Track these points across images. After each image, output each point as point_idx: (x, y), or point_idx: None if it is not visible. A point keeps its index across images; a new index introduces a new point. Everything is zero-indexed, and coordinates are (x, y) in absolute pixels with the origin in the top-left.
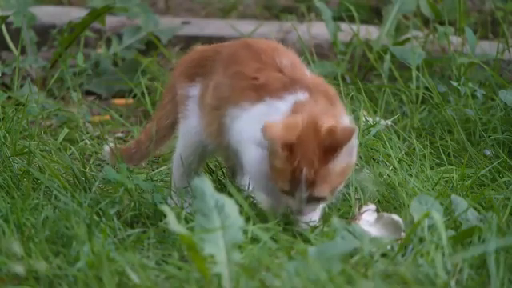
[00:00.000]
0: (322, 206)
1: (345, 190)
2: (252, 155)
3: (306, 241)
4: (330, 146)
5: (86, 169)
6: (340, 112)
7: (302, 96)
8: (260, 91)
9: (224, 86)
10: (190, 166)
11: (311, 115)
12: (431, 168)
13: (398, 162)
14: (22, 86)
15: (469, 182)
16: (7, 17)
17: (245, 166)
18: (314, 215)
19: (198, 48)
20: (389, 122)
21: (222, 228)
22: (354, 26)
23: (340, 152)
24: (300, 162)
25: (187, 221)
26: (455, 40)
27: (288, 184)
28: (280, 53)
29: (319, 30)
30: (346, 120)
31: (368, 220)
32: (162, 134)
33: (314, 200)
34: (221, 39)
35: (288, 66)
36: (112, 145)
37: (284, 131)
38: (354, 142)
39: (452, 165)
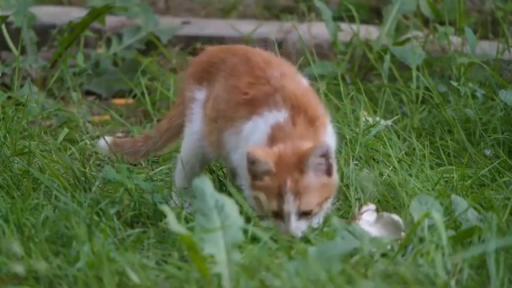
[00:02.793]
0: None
1: (345, 189)
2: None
3: (306, 241)
4: (304, 158)
5: (85, 169)
6: (319, 130)
7: (281, 116)
8: (249, 106)
9: (221, 99)
10: (192, 168)
11: (289, 142)
12: (431, 168)
13: (398, 161)
14: (22, 85)
15: (469, 182)
16: (7, 17)
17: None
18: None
19: (209, 50)
20: (389, 122)
21: (222, 228)
22: (354, 26)
23: (312, 161)
24: (284, 175)
25: (187, 221)
26: (455, 40)
27: (275, 202)
28: (272, 65)
29: (319, 29)
30: (327, 135)
31: (368, 220)
32: (171, 132)
33: (303, 215)
34: (221, 39)
35: (277, 77)
36: (109, 139)
37: (266, 153)
38: (329, 156)
39: (452, 165)
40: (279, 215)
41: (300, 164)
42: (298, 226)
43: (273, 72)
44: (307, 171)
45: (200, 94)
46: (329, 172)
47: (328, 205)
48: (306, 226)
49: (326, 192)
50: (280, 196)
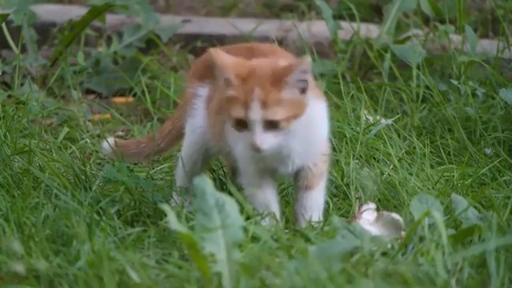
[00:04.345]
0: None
1: (345, 188)
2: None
3: (307, 240)
4: (282, 75)
5: (86, 167)
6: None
7: None
8: None
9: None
10: (194, 165)
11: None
12: (431, 167)
13: (399, 160)
14: (22, 84)
15: (469, 180)
16: (8, 15)
17: (238, 161)
18: (314, 214)
19: (211, 50)
20: (389, 121)
21: (222, 227)
22: (355, 25)
23: (289, 79)
24: (252, 85)
25: (188, 220)
26: (455, 38)
27: (242, 109)
28: (277, 53)
29: (319, 28)
30: (318, 103)
31: (368, 219)
32: (175, 134)
33: (269, 126)
34: (221, 37)
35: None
36: (111, 140)
37: (235, 63)
38: (304, 76)
39: (452, 163)
40: (244, 120)
41: (276, 80)
42: (265, 137)
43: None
44: (284, 88)
45: (203, 91)
46: (304, 90)
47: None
48: (272, 138)
49: (296, 108)
50: (246, 103)
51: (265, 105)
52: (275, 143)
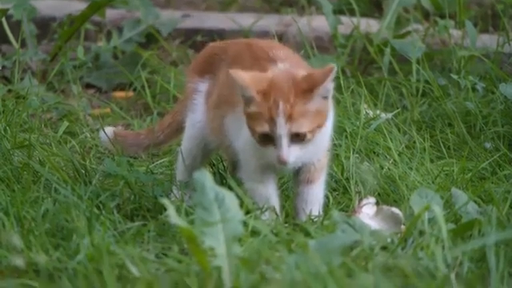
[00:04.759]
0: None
1: (345, 183)
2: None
3: (306, 234)
4: (307, 87)
5: (86, 162)
6: None
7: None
8: None
9: (224, 84)
10: (194, 159)
11: (284, 69)
12: (431, 161)
13: (399, 155)
14: (22, 79)
15: (469, 175)
16: (8, 10)
17: (239, 154)
18: (314, 208)
19: (210, 45)
20: (389, 116)
21: (222, 221)
22: (355, 19)
23: (317, 92)
24: (275, 98)
25: (187, 214)
26: (455, 33)
27: (266, 124)
28: (276, 48)
29: (319, 23)
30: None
31: (368, 213)
32: (175, 127)
33: (295, 139)
34: (221, 32)
35: (281, 55)
36: (110, 129)
37: (254, 79)
38: (330, 85)
39: (452, 158)
40: (270, 135)
41: (301, 92)
42: (291, 152)
43: (276, 52)
44: (310, 99)
45: (203, 86)
46: (326, 97)
47: (319, 131)
48: (298, 153)
49: (319, 117)
50: (272, 119)
51: (290, 118)
52: (300, 155)
